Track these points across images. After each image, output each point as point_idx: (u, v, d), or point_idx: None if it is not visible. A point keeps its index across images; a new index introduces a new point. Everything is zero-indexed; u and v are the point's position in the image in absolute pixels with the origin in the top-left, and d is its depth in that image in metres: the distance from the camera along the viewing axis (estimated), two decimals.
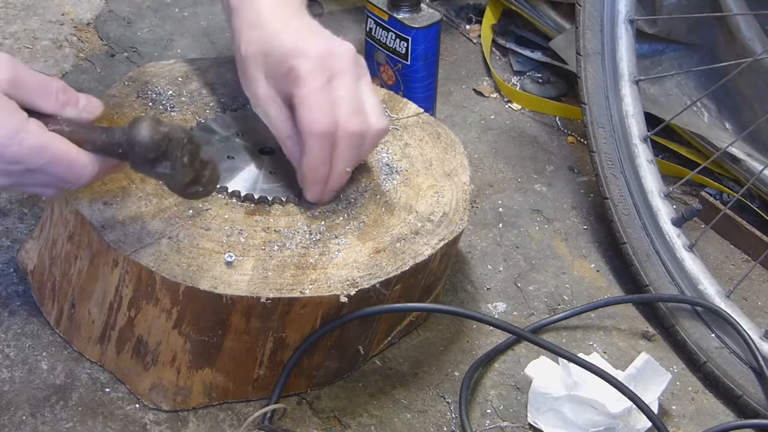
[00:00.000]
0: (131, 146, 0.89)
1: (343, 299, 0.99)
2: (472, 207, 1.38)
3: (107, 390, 1.05)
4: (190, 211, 1.04)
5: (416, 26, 1.39)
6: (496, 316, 1.21)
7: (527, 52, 1.70)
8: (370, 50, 1.46)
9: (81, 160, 0.91)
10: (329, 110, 1.01)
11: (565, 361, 1.06)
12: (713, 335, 1.19)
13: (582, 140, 1.54)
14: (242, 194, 1.06)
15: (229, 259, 0.99)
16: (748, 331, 1.16)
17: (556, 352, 1.06)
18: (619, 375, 1.07)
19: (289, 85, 1.02)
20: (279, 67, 1.02)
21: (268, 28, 1.05)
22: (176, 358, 1.02)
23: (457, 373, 1.13)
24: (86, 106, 0.94)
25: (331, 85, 1.02)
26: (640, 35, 1.44)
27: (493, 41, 1.73)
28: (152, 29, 1.65)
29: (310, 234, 1.04)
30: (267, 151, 1.11)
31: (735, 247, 1.38)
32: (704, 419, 1.13)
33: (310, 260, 1.01)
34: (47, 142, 0.89)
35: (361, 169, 1.12)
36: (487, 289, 1.26)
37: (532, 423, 1.09)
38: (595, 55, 1.38)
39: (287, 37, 1.04)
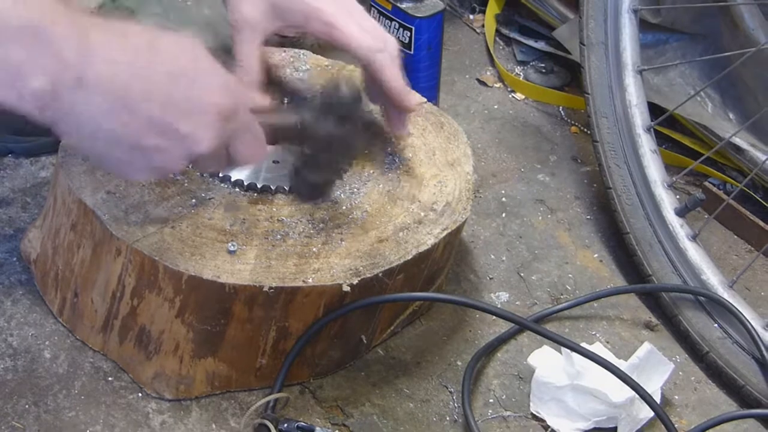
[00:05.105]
0: (336, 96, 0.97)
1: (346, 288, 0.99)
2: (475, 197, 1.37)
3: (110, 379, 1.05)
4: (193, 200, 1.04)
5: (419, 16, 1.39)
6: (499, 306, 1.21)
7: (531, 42, 1.70)
8: None
9: (262, 134, 0.93)
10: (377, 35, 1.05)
11: (568, 350, 1.06)
12: (716, 325, 1.19)
13: (585, 130, 1.54)
14: (245, 183, 1.06)
15: (232, 248, 0.99)
16: (751, 321, 1.16)
17: (558, 342, 1.06)
18: (621, 365, 1.07)
19: (312, 21, 1.03)
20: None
21: None
22: (179, 347, 1.02)
23: (459, 363, 1.13)
24: None
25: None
26: (643, 25, 1.44)
27: (497, 31, 1.73)
28: (156, 19, 1.64)
29: (313, 223, 1.04)
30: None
31: (738, 237, 1.38)
32: (707, 409, 1.13)
33: (313, 249, 1.01)
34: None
35: (363, 159, 1.12)
36: (490, 278, 1.26)
37: (534, 412, 1.09)
38: (599, 45, 1.37)
39: None
